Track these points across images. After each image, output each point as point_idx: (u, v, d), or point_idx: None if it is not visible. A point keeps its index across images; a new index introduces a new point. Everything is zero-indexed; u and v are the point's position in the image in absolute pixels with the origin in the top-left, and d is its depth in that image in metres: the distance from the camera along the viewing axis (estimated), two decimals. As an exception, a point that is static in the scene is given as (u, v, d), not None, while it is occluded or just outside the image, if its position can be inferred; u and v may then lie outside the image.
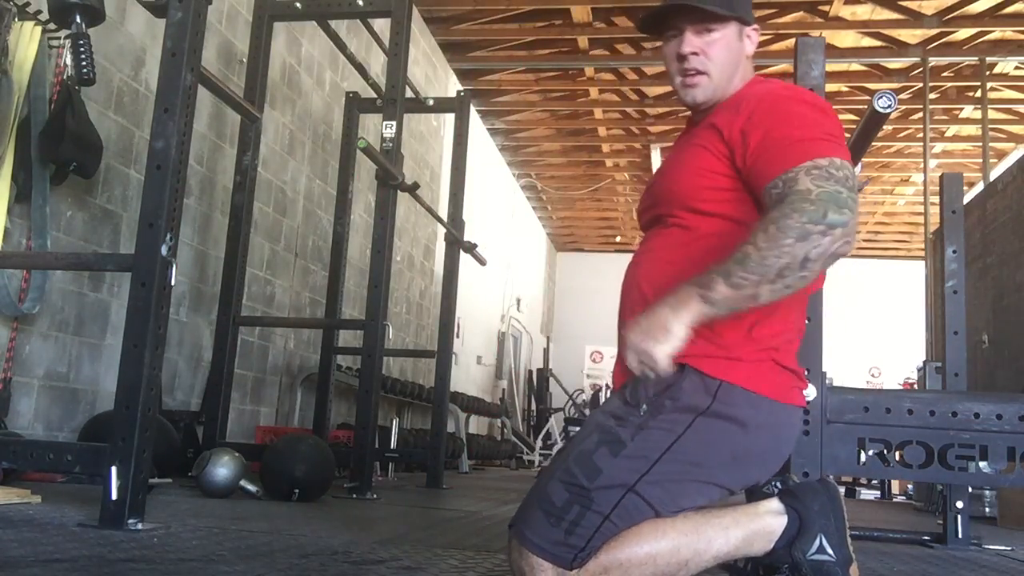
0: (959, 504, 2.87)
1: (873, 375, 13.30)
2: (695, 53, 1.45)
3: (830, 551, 1.30)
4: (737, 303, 1.24)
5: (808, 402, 1.91)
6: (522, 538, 1.29)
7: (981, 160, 7.15)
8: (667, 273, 1.38)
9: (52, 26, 2.85)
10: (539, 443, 10.43)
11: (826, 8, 6.92)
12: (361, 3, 3.83)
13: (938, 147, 9.66)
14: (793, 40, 2.13)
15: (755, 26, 1.52)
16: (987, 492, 4.45)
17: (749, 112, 1.37)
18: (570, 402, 10.81)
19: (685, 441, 1.30)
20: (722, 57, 1.46)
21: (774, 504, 1.34)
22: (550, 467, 1.38)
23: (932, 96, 7.87)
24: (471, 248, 5.24)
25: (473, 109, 7.42)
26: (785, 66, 7.79)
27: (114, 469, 1.92)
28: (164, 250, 2.05)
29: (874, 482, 7.57)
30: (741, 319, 1.33)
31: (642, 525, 1.29)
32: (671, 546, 1.28)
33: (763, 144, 1.34)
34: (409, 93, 4.29)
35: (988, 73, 7.47)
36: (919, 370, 6.23)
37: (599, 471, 1.29)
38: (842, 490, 1.41)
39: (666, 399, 1.32)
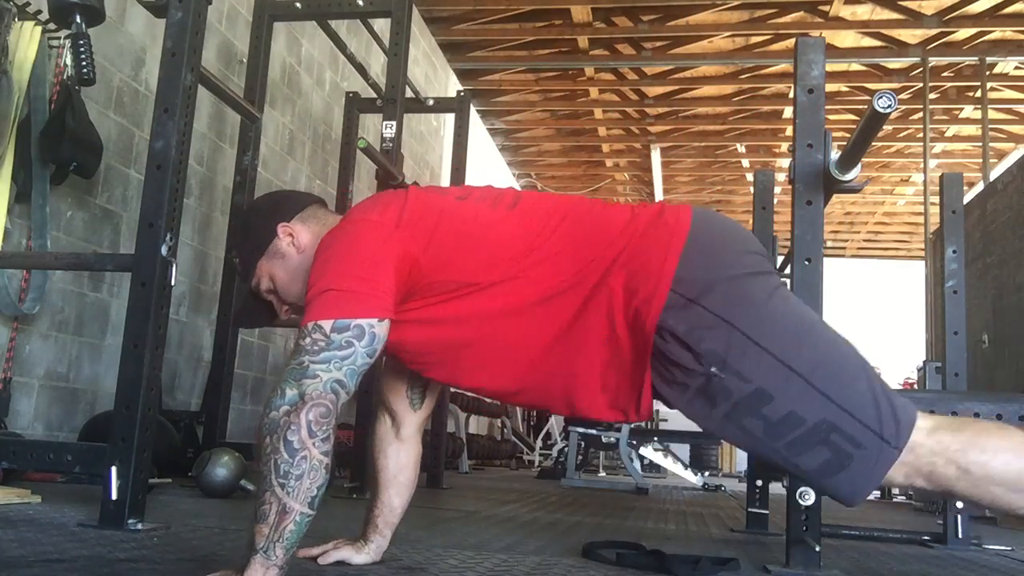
0: (959, 504, 2.86)
1: (873, 375, 13.28)
2: (269, 291, 1.52)
3: None
4: (282, 525, 1.19)
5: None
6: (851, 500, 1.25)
7: (981, 160, 7.15)
8: None
9: (52, 26, 2.85)
10: (539, 443, 10.42)
11: (826, 8, 6.92)
12: (361, 3, 3.83)
13: (938, 147, 9.66)
14: (793, 40, 2.13)
15: (279, 228, 1.50)
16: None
17: None
18: (570, 402, 10.79)
19: (757, 322, 1.26)
20: (279, 280, 1.50)
21: None
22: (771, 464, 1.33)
23: (932, 96, 7.88)
24: (471, 248, 5.23)
25: (473, 109, 7.42)
26: (785, 66, 7.80)
27: (114, 469, 1.91)
28: (164, 250, 2.05)
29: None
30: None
31: (1014, 431, 1.25)
32: None
33: None
34: (409, 93, 4.28)
35: (988, 73, 7.47)
36: (919, 370, 6.23)
37: (791, 413, 1.23)
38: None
39: (698, 348, 1.26)
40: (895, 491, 7.18)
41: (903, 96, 8.08)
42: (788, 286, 2.20)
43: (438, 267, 1.36)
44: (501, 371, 1.40)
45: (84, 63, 2.41)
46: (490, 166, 10.04)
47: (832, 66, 7.65)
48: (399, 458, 1.67)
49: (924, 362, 5.02)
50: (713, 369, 1.25)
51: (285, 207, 1.54)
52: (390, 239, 1.34)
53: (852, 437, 1.21)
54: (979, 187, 6.90)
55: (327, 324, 1.26)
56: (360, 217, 1.40)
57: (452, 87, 8.03)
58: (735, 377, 1.25)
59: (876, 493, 7.47)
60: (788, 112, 8.65)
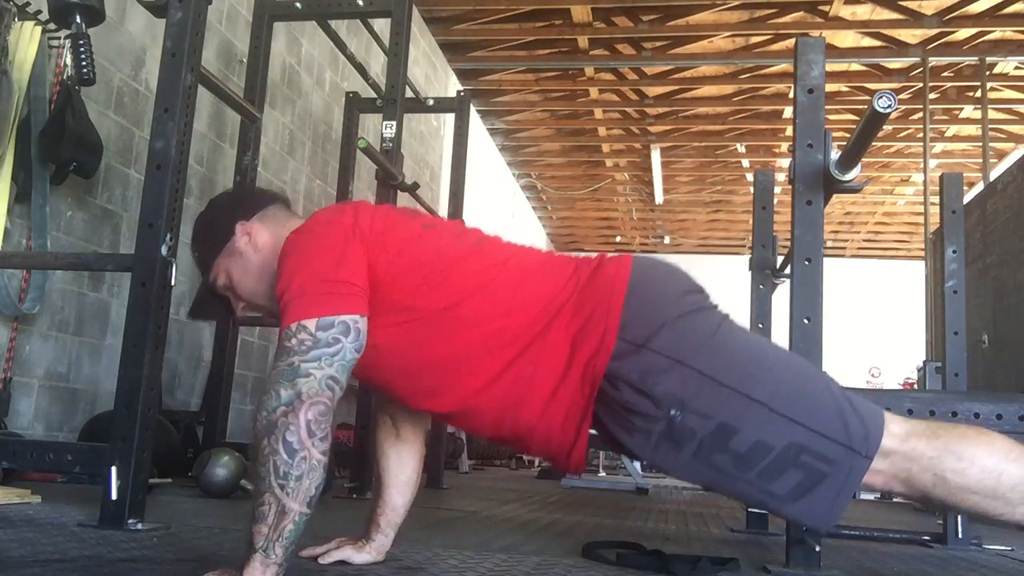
0: (959, 504, 2.86)
1: (873, 375, 13.29)
2: (226, 288, 1.52)
3: None
4: (281, 525, 1.19)
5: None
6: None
7: (981, 160, 7.15)
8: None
9: (52, 26, 2.85)
10: (539, 443, 10.42)
11: (826, 8, 6.92)
12: (361, 3, 3.83)
13: (938, 147, 9.66)
14: (793, 40, 2.13)
15: (238, 226, 1.49)
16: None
17: None
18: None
19: (708, 357, 1.26)
20: (235, 278, 1.50)
21: None
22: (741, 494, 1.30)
23: (932, 96, 7.88)
24: (471, 248, 5.23)
25: (473, 109, 7.42)
26: (785, 66, 7.80)
27: (114, 469, 1.91)
28: (164, 250, 2.05)
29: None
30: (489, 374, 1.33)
31: (995, 437, 1.24)
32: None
33: None
34: (409, 93, 4.28)
35: (988, 73, 7.47)
36: (919, 370, 6.23)
37: (758, 442, 1.21)
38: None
39: (653, 392, 1.26)
40: (895, 491, 7.17)
41: (903, 96, 8.08)
42: (787, 286, 2.20)
43: (394, 286, 1.37)
44: (439, 395, 1.40)
45: (84, 63, 2.41)
46: (490, 166, 10.04)
47: (832, 66, 7.65)
48: (400, 457, 1.68)
49: (924, 362, 5.02)
50: (673, 411, 1.24)
51: (245, 205, 1.55)
52: (357, 244, 1.35)
53: (822, 455, 1.21)
54: (979, 187, 6.90)
55: (311, 323, 1.26)
56: (327, 219, 1.41)
57: (452, 87, 8.04)
58: (696, 416, 1.24)
59: (876, 493, 7.47)
60: (788, 112, 8.65)
